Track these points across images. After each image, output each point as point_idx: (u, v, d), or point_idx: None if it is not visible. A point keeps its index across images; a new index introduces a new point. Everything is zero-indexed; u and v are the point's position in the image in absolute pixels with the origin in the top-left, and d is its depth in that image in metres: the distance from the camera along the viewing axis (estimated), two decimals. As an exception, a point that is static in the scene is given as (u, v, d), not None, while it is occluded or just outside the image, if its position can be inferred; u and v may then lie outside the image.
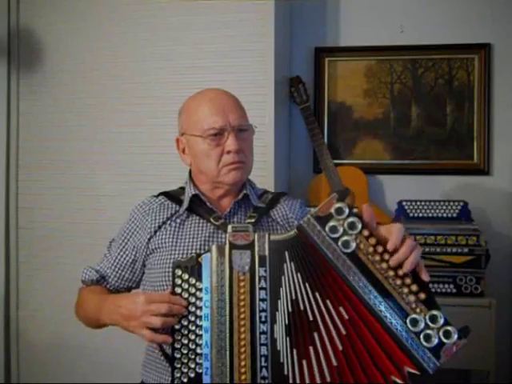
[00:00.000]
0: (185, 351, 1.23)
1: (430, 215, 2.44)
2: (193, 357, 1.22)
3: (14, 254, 2.56)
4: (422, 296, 1.15)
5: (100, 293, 1.49)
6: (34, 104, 2.55)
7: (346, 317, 1.17)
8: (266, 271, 1.22)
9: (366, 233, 1.17)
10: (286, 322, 1.20)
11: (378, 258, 1.17)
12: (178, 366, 1.22)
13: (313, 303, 1.19)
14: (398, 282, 1.16)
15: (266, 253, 1.23)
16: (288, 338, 1.19)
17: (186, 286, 1.25)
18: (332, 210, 1.19)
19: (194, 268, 1.25)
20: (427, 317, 1.14)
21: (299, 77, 2.65)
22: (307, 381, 1.17)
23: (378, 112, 2.72)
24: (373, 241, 1.17)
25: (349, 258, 1.18)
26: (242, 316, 1.20)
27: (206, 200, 1.48)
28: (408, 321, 1.14)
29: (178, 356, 1.23)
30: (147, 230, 1.47)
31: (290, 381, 1.18)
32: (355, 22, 2.72)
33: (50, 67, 2.53)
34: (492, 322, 2.19)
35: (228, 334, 1.20)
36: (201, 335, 1.23)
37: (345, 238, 1.18)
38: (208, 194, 1.50)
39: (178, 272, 1.25)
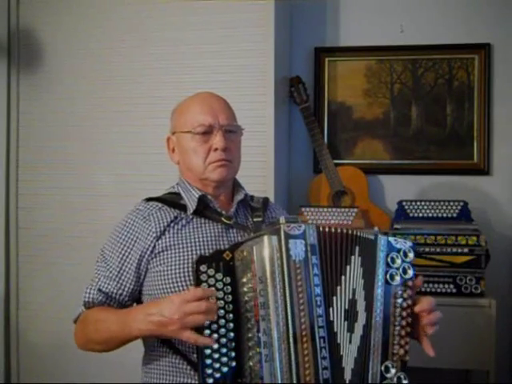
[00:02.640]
0: (216, 347, 1.23)
1: (430, 215, 2.44)
2: (225, 352, 1.24)
3: (13, 254, 2.56)
4: (407, 358, 1.31)
5: (110, 311, 1.42)
6: (33, 104, 2.55)
7: (364, 323, 1.30)
8: (317, 259, 1.29)
9: (410, 283, 1.34)
10: (346, 307, 1.30)
11: (405, 304, 1.32)
12: (209, 362, 1.23)
13: (361, 298, 1.31)
14: (403, 332, 1.31)
15: (316, 242, 1.29)
16: (346, 322, 1.29)
17: (212, 281, 1.26)
18: (404, 247, 1.36)
19: (219, 263, 1.27)
20: (397, 375, 1.30)
21: (299, 77, 2.65)
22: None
23: (378, 112, 2.72)
24: (409, 293, 1.33)
25: (385, 286, 1.33)
26: (301, 301, 1.24)
27: (214, 200, 1.49)
28: (384, 365, 1.30)
29: (209, 353, 1.23)
30: (152, 235, 1.44)
31: (343, 362, 1.27)
32: (355, 22, 2.72)
33: (50, 67, 2.53)
34: (492, 322, 2.18)
35: (291, 320, 1.23)
36: (231, 329, 1.25)
37: (394, 272, 1.34)
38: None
39: (204, 268, 1.26)
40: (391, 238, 1.35)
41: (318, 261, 1.28)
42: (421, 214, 2.45)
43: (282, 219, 1.29)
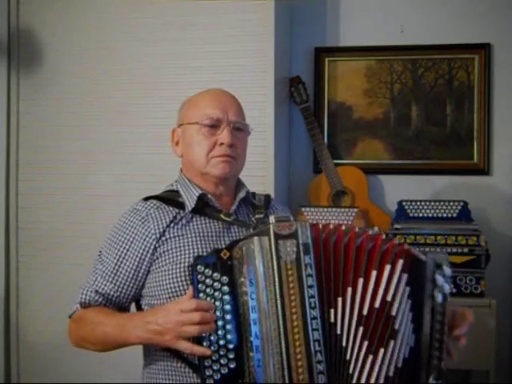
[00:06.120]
0: (214, 348, 1.22)
1: (430, 215, 2.44)
2: (223, 353, 1.23)
3: (13, 254, 2.56)
4: (444, 369, 1.28)
5: (109, 314, 1.40)
6: (34, 104, 2.55)
7: (412, 345, 1.26)
8: (310, 258, 1.24)
9: (448, 297, 1.30)
10: (365, 312, 1.24)
11: (445, 320, 1.29)
12: (208, 364, 1.22)
13: (405, 315, 1.25)
14: (443, 346, 1.28)
15: (310, 241, 1.25)
16: (362, 328, 1.23)
17: (210, 282, 1.25)
18: (443, 262, 1.31)
19: (216, 263, 1.25)
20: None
21: (299, 77, 2.65)
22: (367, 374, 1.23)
23: (378, 112, 2.72)
24: (446, 307, 1.30)
25: (430, 301, 1.29)
26: (293, 304, 1.22)
27: (213, 198, 1.46)
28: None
29: (208, 354, 1.22)
30: (151, 237, 1.41)
31: (351, 367, 1.23)
32: (355, 22, 2.72)
33: (50, 67, 2.53)
34: (492, 322, 2.18)
35: (282, 323, 1.20)
36: (229, 330, 1.23)
37: (438, 290, 1.29)
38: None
39: (201, 269, 1.25)
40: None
41: (311, 260, 1.24)
42: (421, 214, 2.45)
43: (271, 219, 1.27)
